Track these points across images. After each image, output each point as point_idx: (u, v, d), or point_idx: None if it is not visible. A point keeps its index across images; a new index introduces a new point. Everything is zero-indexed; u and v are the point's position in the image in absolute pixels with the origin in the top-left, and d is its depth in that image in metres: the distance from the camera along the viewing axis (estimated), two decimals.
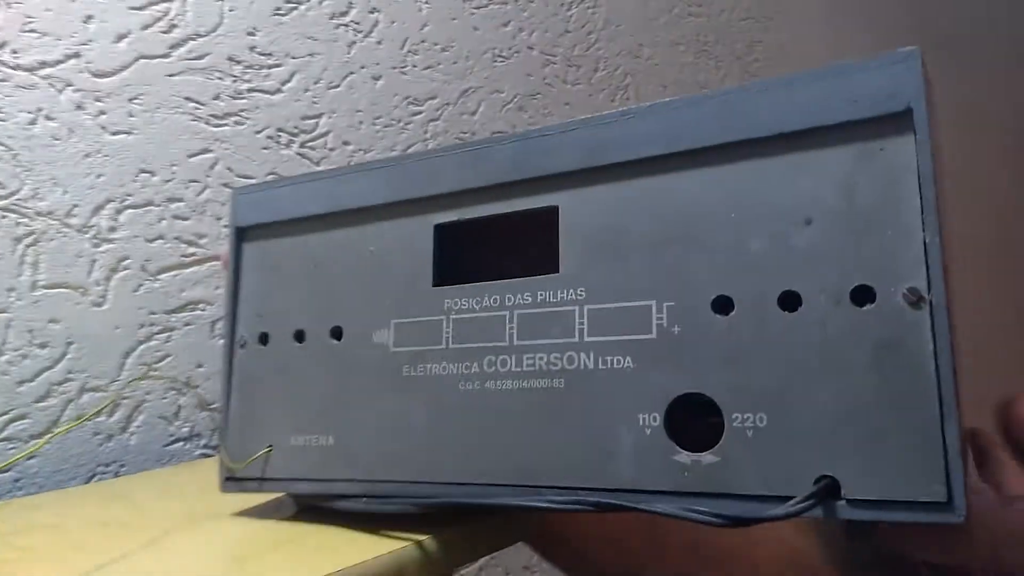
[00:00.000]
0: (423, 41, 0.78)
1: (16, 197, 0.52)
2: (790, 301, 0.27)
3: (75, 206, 0.55)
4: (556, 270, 0.32)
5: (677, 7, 1.12)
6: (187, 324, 0.60)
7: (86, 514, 0.42)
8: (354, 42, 0.72)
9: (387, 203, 0.37)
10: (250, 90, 0.64)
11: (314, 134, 0.68)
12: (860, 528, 0.32)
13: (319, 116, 0.69)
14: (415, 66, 0.77)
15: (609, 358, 0.30)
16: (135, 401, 0.57)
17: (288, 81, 0.67)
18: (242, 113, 0.64)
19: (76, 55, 0.55)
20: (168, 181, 0.59)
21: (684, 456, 0.28)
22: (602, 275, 0.31)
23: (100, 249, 0.56)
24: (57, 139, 0.54)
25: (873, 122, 0.26)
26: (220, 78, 0.62)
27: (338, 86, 0.70)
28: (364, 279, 0.37)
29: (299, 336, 0.38)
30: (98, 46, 0.56)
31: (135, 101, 0.58)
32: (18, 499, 0.49)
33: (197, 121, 0.61)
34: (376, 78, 0.74)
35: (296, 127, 0.67)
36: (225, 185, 0.62)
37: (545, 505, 0.30)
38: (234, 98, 0.63)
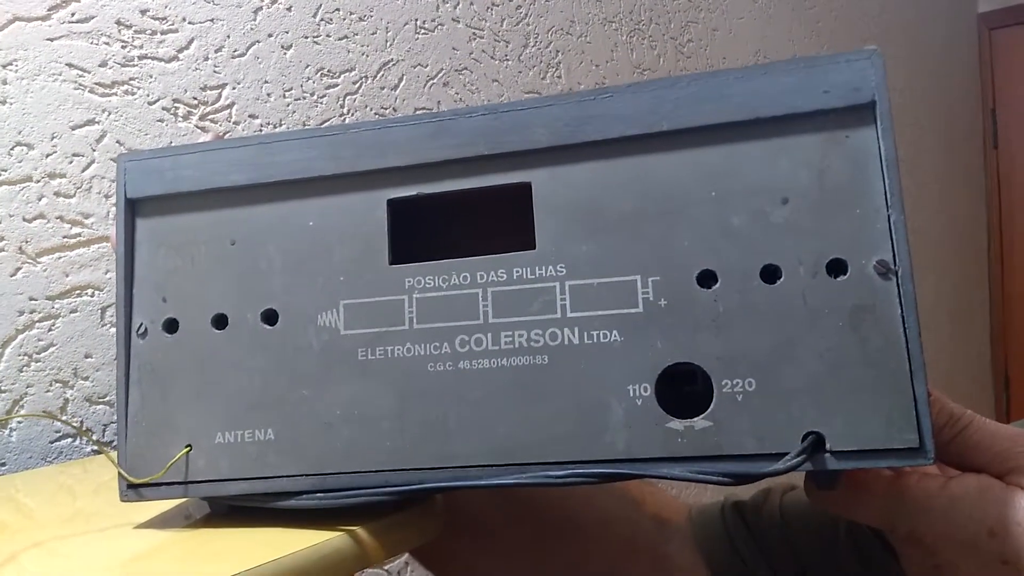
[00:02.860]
0: (337, 9, 0.74)
1: None
2: (771, 274, 0.29)
3: None
4: (532, 247, 0.32)
5: None
6: (73, 311, 0.55)
7: None
8: (260, 7, 0.67)
9: (330, 175, 0.34)
10: (142, 57, 0.60)
11: (216, 106, 0.64)
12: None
13: (222, 87, 0.64)
14: (329, 36, 0.73)
15: (595, 332, 0.31)
16: (16, 394, 0.53)
17: (186, 48, 0.62)
18: (132, 82, 0.59)
19: None
20: (48, 155, 0.55)
21: (676, 423, 0.30)
22: (582, 252, 0.32)
23: None
24: None
25: (841, 112, 0.29)
26: (107, 43, 0.58)
27: (243, 55, 0.66)
28: (301, 258, 0.34)
29: (219, 322, 0.35)
30: None
31: (9, 67, 0.53)
32: None
33: (81, 90, 0.56)
34: (286, 47, 0.69)
35: (195, 98, 0.63)
36: (114, 160, 0.57)
37: (540, 481, 0.31)
38: (123, 65, 0.58)
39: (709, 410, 0.30)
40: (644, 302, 0.31)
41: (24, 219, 0.53)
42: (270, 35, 0.68)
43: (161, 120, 0.60)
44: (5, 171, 0.52)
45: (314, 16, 0.72)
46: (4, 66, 0.53)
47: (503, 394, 0.32)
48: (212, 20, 0.64)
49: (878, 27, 1.93)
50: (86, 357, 0.56)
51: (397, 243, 0.34)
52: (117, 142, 0.58)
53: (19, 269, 0.53)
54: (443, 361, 0.33)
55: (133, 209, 0.36)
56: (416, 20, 0.81)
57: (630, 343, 0.31)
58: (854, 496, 0.32)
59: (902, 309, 0.28)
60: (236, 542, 0.32)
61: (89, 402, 0.56)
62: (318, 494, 0.33)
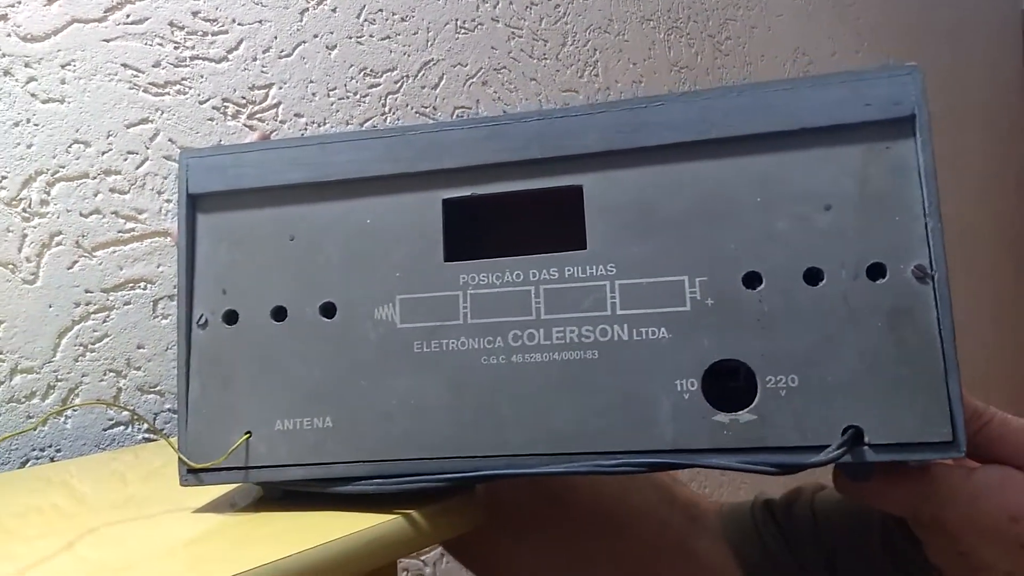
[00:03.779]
0: (380, 10, 0.75)
1: None
2: (814, 276, 0.31)
3: (3, 178, 0.52)
4: (583, 247, 0.34)
5: None
6: (126, 303, 0.57)
7: (20, 501, 0.40)
8: (306, 9, 0.69)
9: (387, 175, 0.35)
10: (193, 58, 0.61)
11: (263, 105, 0.66)
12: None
13: (269, 86, 0.66)
14: (372, 36, 0.74)
15: (644, 330, 0.33)
16: (71, 383, 0.55)
17: (235, 49, 0.64)
18: (184, 82, 0.61)
19: (3, 16, 0.52)
20: (104, 153, 0.56)
21: (723, 416, 0.31)
22: (632, 252, 0.33)
23: (31, 223, 0.53)
24: None
25: (882, 124, 0.31)
26: (160, 44, 0.59)
27: (289, 55, 0.68)
28: (358, 254, 0.36)
29: (278, 314, 0.36)
30: (27, 8, 0.53)
31: (68, 67, 0.55)
32: None
33: (135, 90, 0.58)
34: (330, 48, 0.71)
35: (244, 98, 0.64)
36: (167, 158, 0.59)
37: (592, 469, 0.32)
38: (176, 66, 0.60)
39: (754, 404, 0.31)
40: (692, 301, 0.32)
41: (81, 214, 0.55)
42: (315, 36, 0.70)
43: (211, 119, 0.62)
44: (63, 167, 0.54)
45: (358, 17, 0.73)
46: (63, 66, 0.55)
47: (555, 386, 0.33)
48: (260, 21, 0.66)
49: (920, 23, 1.90)
50: (138, 348, 0.58)
51: (451, 241, 0.35)
52: (170, 140, 0.60)
53: (76, 262, 0.55)
54: (496, 354, 0.34)
55: (194, 204, 0.37)
56: (456, 20, 0.83)
57: (678, 340, 0.32)
58: (884, 487, 0.33)
59: (938, 311, 0.30)
60: (285, 526, 0.33)
61: (141, 391, 0.58)
62: (376, 480, 0.34)
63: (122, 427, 0.57)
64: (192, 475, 0.36)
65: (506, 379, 0.34)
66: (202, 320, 0.37)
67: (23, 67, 0.53)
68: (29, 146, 0.53)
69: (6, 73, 0.52)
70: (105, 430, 0.56)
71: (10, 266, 0.52)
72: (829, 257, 0.31)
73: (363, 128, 0.72)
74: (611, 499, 0.46)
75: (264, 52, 0.66)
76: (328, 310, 0.35)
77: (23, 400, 0.52)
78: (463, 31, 0.83)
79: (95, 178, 0.56)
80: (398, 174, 0.36)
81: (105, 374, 0.56)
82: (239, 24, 0.64)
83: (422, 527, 0.33)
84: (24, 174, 0.53)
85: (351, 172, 0.36)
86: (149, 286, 0.59)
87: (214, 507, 0.37)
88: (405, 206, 0.36)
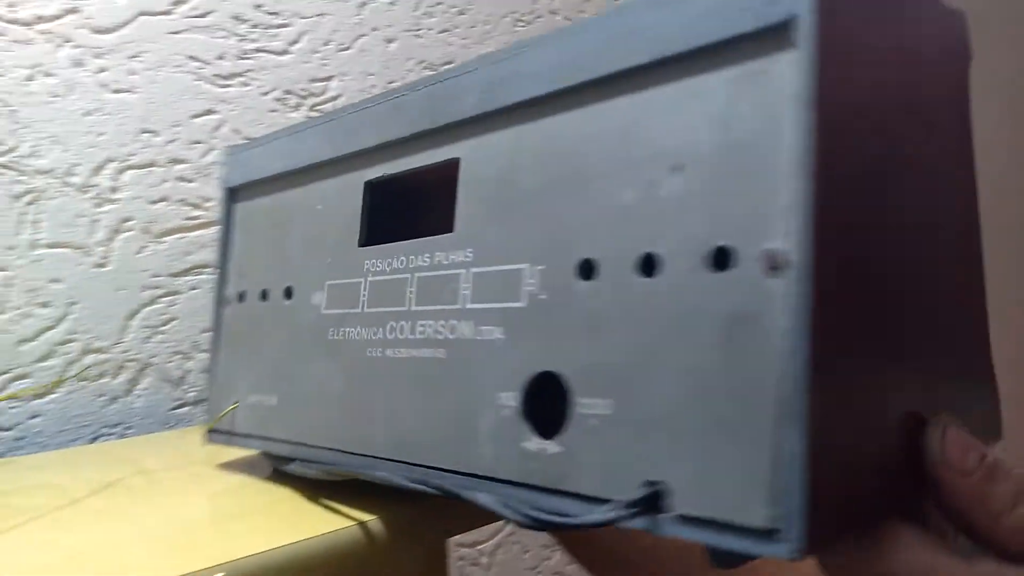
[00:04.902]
0: (439, 3, 0.76)
1: (14, 154, 0.52)
2: (649, 265, 0.23)
3: (75, 165, 0.54)
4: (451, 229, 0.29)
5: None
6: (192, 288, 0.59)
7: (89, 475, 0.41)
8: (365, 2, 0.70)
9: (327, 160, 0.35)
10: (256, 50, 0.63)
11: (323, 97, 0.67)
12: None
13: (329, 79, 0.68)
14: (430, 29, 0.75)
15: (484, 328, 0.27)
16: (141, 364, 0.57)
17: (296, 42, 0.66)
18: (248, 74, 0.62)
19: (74, 10, 0.54)
20: (171, 142, 0.58)
21: (534, 443, 0.25)
22: (488, 234, 0.27)
23: (102, 209, 0.55)
24: (56, 96, 0.53)
25: (758, 37, 0.21)
26: (225, 37, 0.61)
27: (349, 48, 0.69)
28: (310, 239, 0.36)
29: (263, 295, 0.38)
30: (97, 1, 0.55)
31: (136, 59, 0.57)
32: (20, 458, 0.49)
33: (201, 81, 0.60)
34: (389, 41, 0.72)
35: (304, 89, 0.66)
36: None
37: (400, 483, 0.28)
38: (240, 58, 0.62)
39: (562, 433, 0.24)
40: (527, 295, 0.26)
41: (149, 201, 0.57)
42: (374, 28, 0.71)
43: (273, 110, 0.64)
44: (132, 156, 0.57)
45: (415, 10, 0.74)
46: (131, 57, 0.57)
47: (410, 387, 0.29)
48: (321, 15, 0.67)
49: None
50: (203, 332, 0.59)
51: (371, 225, 0.33)
52: (234, 131, 0.61)
53: (144, 248, 0.57)
54: (377, 347, 0.31)
55: (230, 196, 0.41)
56: (514, 13, 0.83)
57: (509, 343, 0.26)
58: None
59: (789, 321, 0.19)
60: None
61: (205, 373, 0.59)
62: (311, 464, 0.33)
63: (188, 407, 0.58)
64: (209, 433, 0.40)
65: (381, 374, 0.31)
66: (226, 299, 0.40)
67: (94, 58, 0.55)
68: (100, 135, 0.55)
69: (78, 64, 0.54)
70: (170, 410, 0.58)
71: (82, 250, 0.54)
72: (669, 239, 0.22)
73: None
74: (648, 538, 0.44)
75: (324, 45, 0.67)
76: (289, 292, 0.36)
77: (94, 379, 0.55)
78: (521, 24, 0.84)
79: (163, 167, 0.58)
80: (335, 157, 0.34)
81: (172, 356, 0.58)
82: (300, 17, 0.66)
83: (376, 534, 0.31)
84: (95, 162, 0.55)
85: (309, 159, 0.36)
86: (214, 271, 0.60)
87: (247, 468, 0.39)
88: (339, 189, 0.34)
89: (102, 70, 0.55)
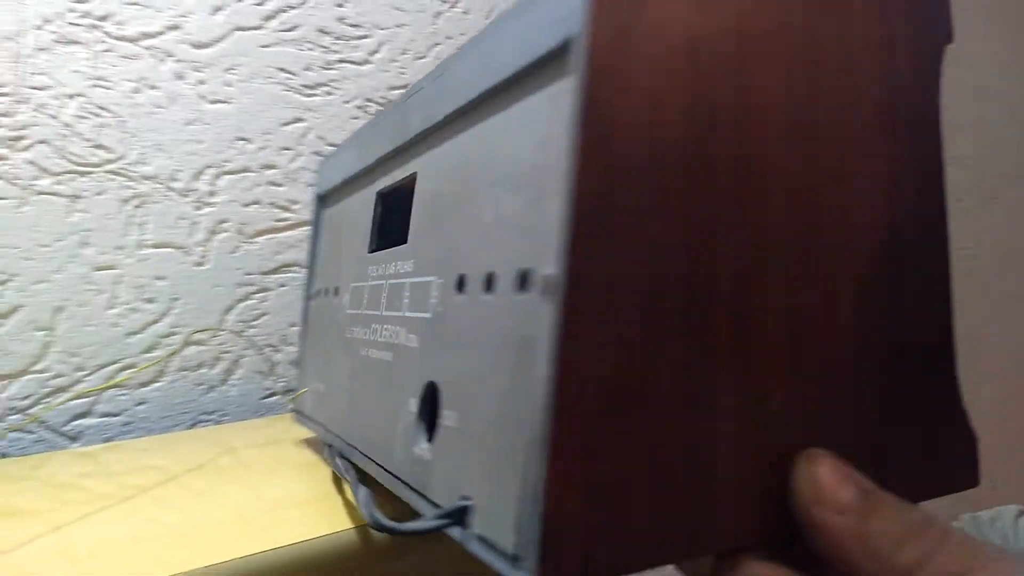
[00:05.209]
0: None
1: (123, 162, 0.56)
2: (489, 283, 0.23)
3: (177, 171, 0.58)
4: (406, 240, 0.31)
5: None
6: (282, 285, 0.63)
7: (187, 458, 0.45)
8: (440, 12, 0.73)
9: (358, 172, 0.40)
10: (339, 61, 0.67)
11: None
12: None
13: (406, 87, 0.71)
14: None
15: (411, 335, 0.28)
16: (235, 355, 0.61)
17: (376, 52, 0.69)
18: (332, 83, 0.66)
19: (176, 27, 0.58)
20: (263, 148, 0.62)
21: (421, 448, 0.26)
22: (423, 247, 0.29)
23: (201, 212, 0.59)
24: (160, 107, 0.58)
25: (549, 59, 0.21)
26: (310, 49, 0.65)
27: (425, 57, 0.72)
28: (348, 244, 0.40)
29: (333, 292, 0.42)
30: (196, 18, 0.59)
31: (231, 71, 0.61)
32: (128, 441, 0.53)
33: (289, 91, 0.64)
34: None
35: (384, 97, 0.69)
36: (316, 153, 0.65)
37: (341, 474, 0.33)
38: (324, 68, 0.66)
39: (432, 441, 0.25)
40: (431, 307, 0.27)
41: (242, 204, 0.61)
42: (448, 37, 0.74)
43: (356, 118, 0.67)
44: (228, 162, 0.61)
45: (487, 18, 0.77)
46: (226, 70, 0.61)
47: (372, 385, 0.32)
48: (399, 25, 0.70)
49: None
50: (291, 326, 0.63)
51: (380, 233, 0.36)
52: (319, 137, 0.65)
53: (238, 248, 0.61)
54: (366, 347, 0.34)
55: (319, 202, 0.46)
56: None
57: (421, 351, 0.27)
58: None
59: (549, 346, 0.18)
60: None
61: (293, 365, 0.63)
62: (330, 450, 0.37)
63: (277, 396, 0.62)
64: (292, 413, 0.45)
65: (363, 372, 0.34)
66: (311, 295, 0.45)
67: (193, 71, 0.59)
68: (199, 142, 0.59)
69: (179, 77, 0.59)
70: (262, 399, 0.62)
71: (183, 249, 0.59)
72: (499, 259, 0.22)
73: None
74: None
75: (402, 54, 0.71)
76: (336, 291, 0.40)
77: (193, 368, 0.59)
78: None
79: (255, 172, 0.62)
80: (361, 169, 0.38)
81: (263, 348, 0.62)
82: (380, 28, 0.69)
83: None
84: (195, 168, 0.59)
85: (350, 171, 0.40)
86: (301, 270, 0.64)
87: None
88: (364, 200, 0.38)
89: (201, 82, 0.60)
